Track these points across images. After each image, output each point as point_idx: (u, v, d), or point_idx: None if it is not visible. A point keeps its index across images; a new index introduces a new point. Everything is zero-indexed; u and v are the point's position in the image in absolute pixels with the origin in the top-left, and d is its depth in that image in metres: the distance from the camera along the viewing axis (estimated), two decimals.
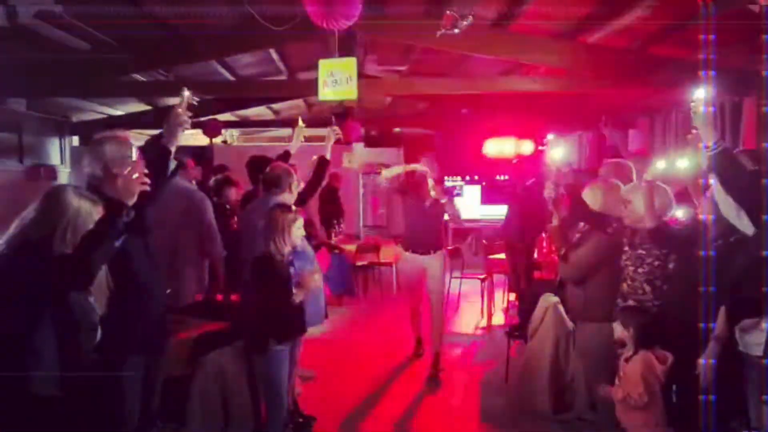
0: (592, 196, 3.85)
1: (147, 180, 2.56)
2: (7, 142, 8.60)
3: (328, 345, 6.37)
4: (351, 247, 8.80)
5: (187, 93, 3.00)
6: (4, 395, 2.40)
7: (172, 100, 9.50)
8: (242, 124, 12.79)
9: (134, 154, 2.82)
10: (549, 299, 4.62)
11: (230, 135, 13.33)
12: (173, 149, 2.96)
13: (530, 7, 5.48)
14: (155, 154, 2.92)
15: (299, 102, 11.72)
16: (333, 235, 9.13)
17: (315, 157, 4.76)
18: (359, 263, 8.89)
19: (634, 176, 4.16)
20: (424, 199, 5.49)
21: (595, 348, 3.73)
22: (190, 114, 2.98)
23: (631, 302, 3.52)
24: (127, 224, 2.51)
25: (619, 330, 3.30)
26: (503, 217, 7.83)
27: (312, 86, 8.67)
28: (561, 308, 4.51)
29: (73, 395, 2.43)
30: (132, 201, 2.50)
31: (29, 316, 2.36)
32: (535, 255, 6.71)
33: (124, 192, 2.50)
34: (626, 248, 3.61)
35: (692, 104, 2.88)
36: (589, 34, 5.95)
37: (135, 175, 2.51)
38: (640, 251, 3.51)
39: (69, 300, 2.43)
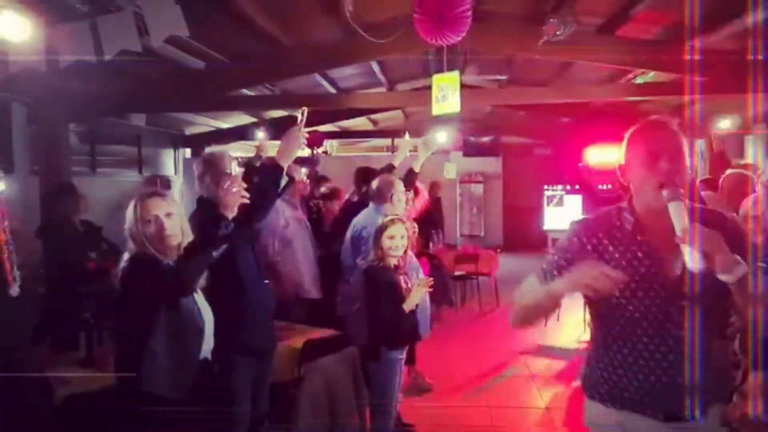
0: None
1: (246, 194, 2.63)
2: (128, 155, 9.25)
3: (428, 354, 6.39)
4: (448, 257, 8.78)
5: (306, 111, 3.06)
6: (124, 393, 2.60)
7: (277, 113, 9.90)
8: (342, 134, 13.07)
9: (234, 168, 2.92)
10: None
11: (330, 145, 13.67)
12: (286, 166, 3.02)
13: (639, 11, 5.31)
14: (267, 170, 3.03)
15: (398, 112, 11.87)
16: (431, 244, 9.14)
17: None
18: (457, 273, 8.85)
19: (758, 187, 3.90)
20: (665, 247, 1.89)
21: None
22: (306, 134, 3.07)
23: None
24: (227, 235, 2.59)
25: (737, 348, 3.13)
26: None
27: (411, 97, 8.86)
28: None
29: (183, 395, 2.56)
30: (230, 213, 2.57)
31: (146, 320, 2.53)
32: None
33: (222, 205, 2.58)
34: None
35: None
36: (703, 38, 5.68)
37: (234, 189, 2.58)
38: (761, 264, 3.29)
39: (178, 305, 2.57)
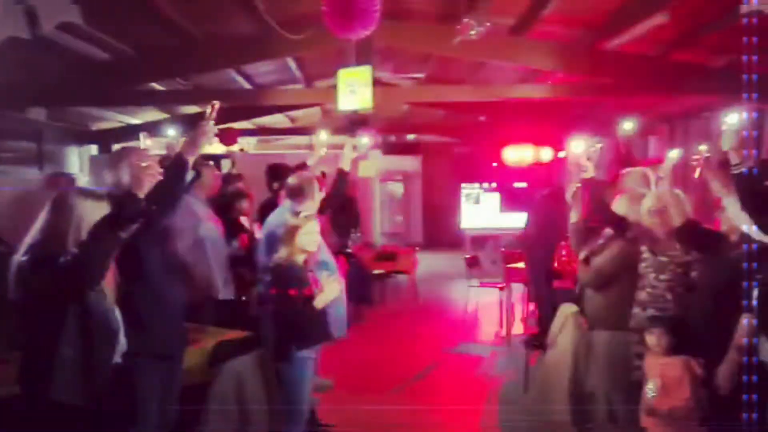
0: (620, 205, 3.81)
1: (156, 170, 2.52)
2: (26, 151, 8.72)
3: (345, 354, 6.33)
4: (367, 256, 8.76)
5: (216, 105, 2.92)
6: (29, 401, 2.43)
7: (190, 109, 9.58)
8: (259, 132, 12.82)
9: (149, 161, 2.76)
10: (568, 308, 4.54)
11: (247, 143, 13.37)
12: (191, 161, 2.88)
13: (549, 13, 5.44)
14: (172, 163, 2.88)
15: (316, 109, 11.74)
16: (349, 243, 9.07)
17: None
18: (376, 272, 8.85)
19: (653, 185, 4.07)
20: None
21: (611, 356, 3.69)
22: (216, 128, 2.94)
23: (651, 311, 3.46)
24: (136, 215, 2.42)
25: (652, 341, 3.27)
26: (522, 226, 7.76)
27: (329, 94, 8.76)
28: (580, 318, 4.44)
29: (92, 402, 2.42)
30: (141, 191, 2.45)
31: (53, 322, 2.37)
32: (555, 264, 6.63)
33: (133, 181, 2.46)
34: (646, 255, 3.55)
35: (724, 128, 2.82)
36: (609, 40, 5.90)
37: (144, 163, 2.45)
38: (661, 258, 3.45)
39: (88, 305, 2.41)
